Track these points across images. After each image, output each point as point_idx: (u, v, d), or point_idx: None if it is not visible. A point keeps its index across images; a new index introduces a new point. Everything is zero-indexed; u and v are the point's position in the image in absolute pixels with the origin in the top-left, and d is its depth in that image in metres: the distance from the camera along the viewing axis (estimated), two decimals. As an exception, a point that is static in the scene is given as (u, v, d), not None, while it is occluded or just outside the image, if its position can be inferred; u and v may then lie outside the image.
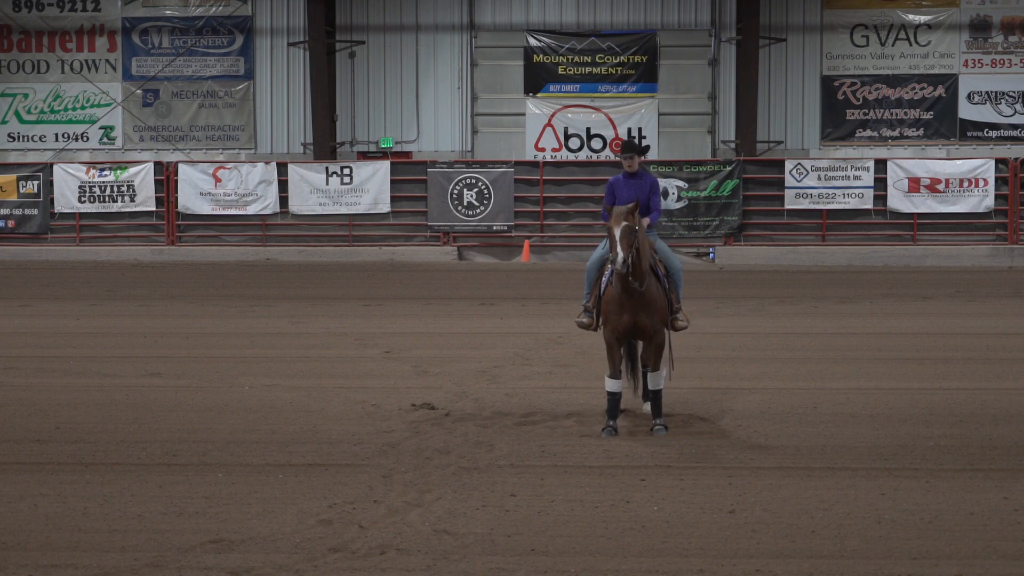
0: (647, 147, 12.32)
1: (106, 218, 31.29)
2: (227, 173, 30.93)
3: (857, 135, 31.40)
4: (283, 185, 30.73)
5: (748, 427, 11.01)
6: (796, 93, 31.47)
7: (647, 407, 11.41)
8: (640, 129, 31.45)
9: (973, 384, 13.14)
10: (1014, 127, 31.08)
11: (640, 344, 11.39)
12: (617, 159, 12.03)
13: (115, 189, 31.07)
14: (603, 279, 11.17)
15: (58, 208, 31.30)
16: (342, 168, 30.67)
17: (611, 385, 10.92)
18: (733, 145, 31.02)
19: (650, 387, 11.01)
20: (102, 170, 31.19)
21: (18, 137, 32.89)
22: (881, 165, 29.86)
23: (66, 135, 32.74)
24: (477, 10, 31.88)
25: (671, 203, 29.70)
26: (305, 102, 32.04)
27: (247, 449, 10.27)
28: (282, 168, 30.86)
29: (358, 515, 8.33)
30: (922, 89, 31.15)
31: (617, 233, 10.46)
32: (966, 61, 31.06)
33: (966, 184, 29.55)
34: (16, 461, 9.91)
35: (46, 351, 15.74)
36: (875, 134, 31.35)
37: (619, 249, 10.41)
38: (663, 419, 10.96)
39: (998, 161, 29.76)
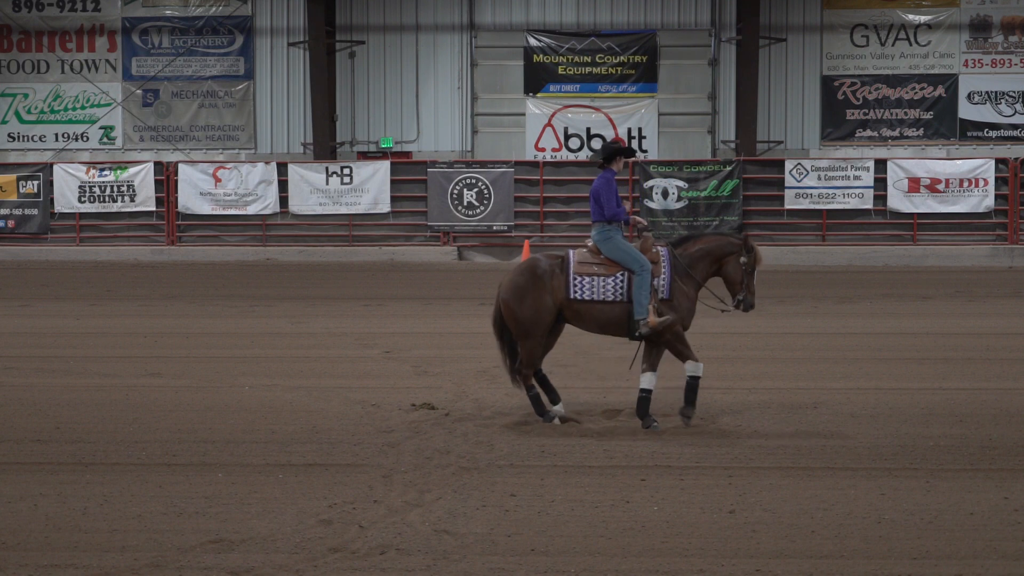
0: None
1: (106, 218, 31.30)
2: (227, 173, 30.93)
3: (857, 135, 31.40)
4: (283, 185, 30.74)
5: (748, 427, 11.01)
6: (796, 93, 31.47)
7: (558, 408, 11.21)
8: (640, 129, 31.45)
9: (973, 384, 13.14)
10: (1014, 127, 31.08)
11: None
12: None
13: (115, 189, 31.07)
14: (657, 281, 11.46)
15: (58, 208, 31.30)
16: (342, 168, 30.67)
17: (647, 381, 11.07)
18: (733, 145, 31.01)
19: (689, 373, 11.08)
20: (102, 170, 31.19)
21: (18, 137, 32.90)
22: (881, 165, 29.86)
23: (66, 135, 32.74)
24: (477, 10, 31.87)
25: (671, 203, 29.70)
26: (305, 102, 32.04)
27: (247, 449, 10.26)
28: (282, 168, 30.87)
29: (358, 515, 8.32)
30: (922, 89, 31.15)
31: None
32: (966, 61, 31.06)
33: (966, 184, 29.55)
34: (16, 461, 9.90)
35: (46, 351, 15.73)
36: (875, 134, 31.35)
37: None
38: (692, 408, 11.02)
39: (998, 161, 29.75)
